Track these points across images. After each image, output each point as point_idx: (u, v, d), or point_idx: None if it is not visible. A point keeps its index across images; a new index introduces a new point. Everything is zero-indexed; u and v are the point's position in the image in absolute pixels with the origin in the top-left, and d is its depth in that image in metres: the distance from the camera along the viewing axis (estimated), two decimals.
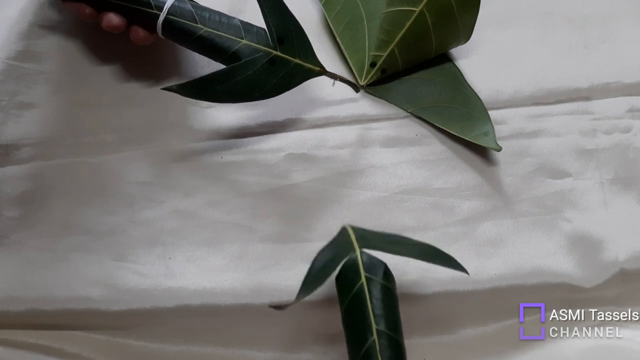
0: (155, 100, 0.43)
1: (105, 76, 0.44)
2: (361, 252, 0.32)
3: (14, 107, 0.44)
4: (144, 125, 0.43)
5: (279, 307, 0.30)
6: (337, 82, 0.42)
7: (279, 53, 0.39)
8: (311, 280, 0.30)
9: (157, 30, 0.39)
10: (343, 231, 0.32)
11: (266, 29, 0.38)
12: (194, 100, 0.43)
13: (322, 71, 0.41)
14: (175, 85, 0.37)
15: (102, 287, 0.40)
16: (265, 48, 0.39)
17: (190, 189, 0.42)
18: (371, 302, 0.30)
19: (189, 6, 0.38)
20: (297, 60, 0.39)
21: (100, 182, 0.42)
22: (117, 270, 0.41)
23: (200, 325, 0.41)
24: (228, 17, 0.39)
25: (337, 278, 0.32)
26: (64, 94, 0.44)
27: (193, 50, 0.40)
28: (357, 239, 0.32)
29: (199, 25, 0.38)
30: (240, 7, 0.45)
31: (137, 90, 0.44)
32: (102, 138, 0.43)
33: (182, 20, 0.38)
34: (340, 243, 0.32)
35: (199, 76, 0.38)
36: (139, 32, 0.39)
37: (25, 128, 0.43)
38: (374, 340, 0.29)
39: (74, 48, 0.45)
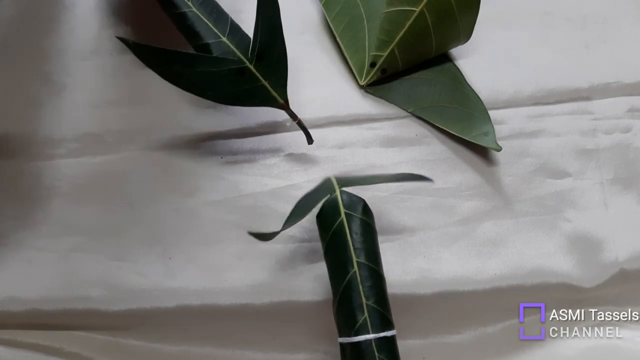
0: (155, 100, 0.43)
1: (105, 76, 0.44)
2: (341, 191, 0.33)
3: (15, 107, 0.44)
4: (144, 125, 0.43)
5: (262, 236, 0.32)
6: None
7: (251, 67, 0.38)
8: (294, 216, 0.32)
9: None
10: (326, 179, 0.34)
11: (252, 38, 0.37)
12: (194, 101, 0.43)
13: (284, 106, 0.39)
14: (133, 41, 0.34)
15: (102, 287, 0.40)
16: (241, 56, 0.38)
17: (190, 189, 0.42)
18: (351, 237, 0.31)
19: None
20: (265, 83, 0.38)
21: (100, 182, 0.42)
22: (117, 270, 0.41)
23: (200, 325, 0.41)
24: (221, 12, 0.39)
25: (318, 216, 0.33)
26: (66, 94, 0.44)
27: (174, 24, 0.39)
28: (338, 182, 0.34)
29: (188, 3, 0.38)
30: (240, 7, 0.45)
31: (137, 90, 0.44)
32: (102, 138, 0.43)
33: None
34: (323, 186, 0.34)
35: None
36: None
37: (27, 128, 0.43)
38: (355, 272, 0.31)
39: (74, 48, 0.45)
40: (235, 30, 0.38)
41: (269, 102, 0.39)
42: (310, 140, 0.41)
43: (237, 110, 0.43)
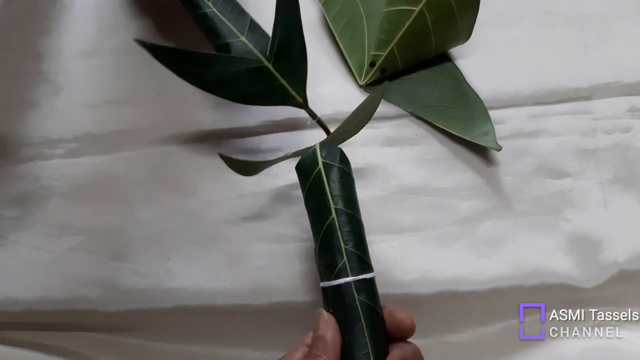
0: (155, 100, 0.43)
1: (103, 76, 0.44)
2: (320, 144, 0.34)
3: (14, 107, 0.44)
4: (144, 125, 0.43)
5: (239, 167, 0.35)
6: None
7: (269, 66, 0.37)
8: (278, 160, 0.35)
9: None
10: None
11: (271, 37, 0.37)
12: (193, 100, 0.43)
13: (304, 105, 0.39)
14: (150, 42, 0.34)
15: (101, 287, 0.40)
16: (259, 55, 0.38)
17: (190, 189, 0.42)
18: (329, 185, 0.32)
19: None
20: (284, 82, 0.38)
21: (98, 182, 0.42)
22: (115, 270, 0.41)
23: (199, 325, 0.41)
24: (241, 11, 0.39)
25: (298, 166, 0.34)
26: (64, 93, 0.44)
27: (196, 24, 0.39)
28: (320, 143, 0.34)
29: (209, 4, 0.38)
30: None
31: (136, 90, 0.44)
32: (101, 138, 0.43)
33: None
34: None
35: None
36: None
37: (25, 128, 0.43)
38: (333, 218, 0.31)
39: (72, 47, 0.45)
40: (254, 29, 0.38)
41: (288, 100, 0.39)
42: (328, 132, 0.40)
43: (237, 110, 0.43)
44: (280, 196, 0.42)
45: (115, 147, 0.43)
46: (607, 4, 0.46)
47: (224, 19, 0.38)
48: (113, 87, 0.44)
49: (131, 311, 0.40)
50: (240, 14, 0.38)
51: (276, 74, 0.38)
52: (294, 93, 0.39)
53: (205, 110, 0.43)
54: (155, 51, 0.35)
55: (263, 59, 0.37)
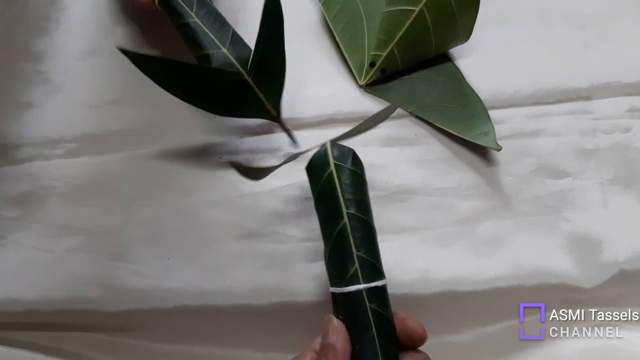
0: (155, 100, 0.43)
1: (103, 76, 0.44)
2: (331, 143, 0.33)
3: (13, 107, 0.44)
4: (143, 125, 0.43)
5: (249, 173, 0.34)
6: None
7: (249, 79, 0.38)
8: (287, 161, 0.35)
9: None
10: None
11: (253, 49, 0.37)
12: None
13: (277, 119, 0.39)
14: (131, 50, 0.34)
15: (101, 287, 0.40)
16: (240, 67, 0.37)
17: (189, 189, 0.42)
18: (341, 188, 0.31)
19: None
20: (261, 96, 0.38)
21: (98, 182, 0.42)
22: (115, 270, 0.41)
23: (199, 326, 0.41)
24: (224, 23, 0.39)
25: (308, 167, 0.33)
26: (64, 94, 0.44)
27: (179, 33, 0.39)
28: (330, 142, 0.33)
29: (191, 13, 0.38)
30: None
31: (136, 90, 0.44)
32: (102, 138, 0.43)
33: (179, 1, 0.38)
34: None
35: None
36: None
37: (24, 128, 0.43)
38: (345, 223, 0.30)
39: (71, 47, 0.45)
40: (236, 41, 0.38)
41: (262, 114, 0.39)
42: (294, 145, 0.41)
43: None
44: (281, 196, 0.42)
45: (115, 147, 0.43)
46: (607, 3, 0.46)
47: (206, 30, 0.38)
48: (113, 87, 0.44)
49: (131, 311, 0.40)
50: (222, 25, 0.39)
51: (255, 88, 0.38)
52: (269, 107, 0.39)
53: (205, 111, 0.43)
54: (136, 59, 0.35)
55: (243, 72, 0.37)
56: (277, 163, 0.42)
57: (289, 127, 0.40)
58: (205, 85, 0.37)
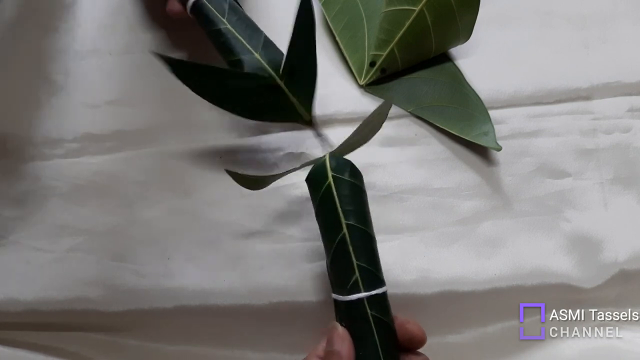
0: (155, 100, 0.43)
1: (104, 76, 0.44)
2: (330, 155, 0.33)
3: (13, 107, 0.44)
4: (143, 125, 0.43)
5: (247, 182, 0.34)
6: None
7: (281, 83, 0.38)
8: (287, 172, 0.35)
9: (187, 4, 0.39)
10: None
11: (285, 54, 0.38)
12: (193, 101, 0.42)
13: (310, 122, 0.40)
14: (168, 56, 0.35)
15: (101, 287, 0.40)
16: (272, 72, 0.38)
17: (190, 189, 0.42)
18: (339, 199, 0.32)
19: (225, 1, 0.39)
20: (294, 100, 0.39)
21: (99, 182, 0.42)
22: (115, 270, 0.41)
23: (199, 326, 0.41)
24: (255, 29, 0.39)
25: (308, 178, 0.34)
26: (64, 94, 0.44)
27: (210, 39, 0.39)
28: (329, 154, 0.34)
29: (223, 20, 0.38)
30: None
31: (136, 90, 0.44)
32: (102, 138, 0.43)
33: (211, 8, 0.38)
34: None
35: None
36: (175, 4, 0.40)
37: (25, 128, 0.43)
38: (344, 234, 0.31)
39: (73, 47, 0.45)
40: (268, 46, 0.39)
41: (295, 117, 0.40)
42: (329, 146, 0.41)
43: None
44: (281, 196, 0.42)
45: (115, 147, 0.43)
46: (607, 4, 0.46)
47: (238, 36, 0.38)
48: (113, 87, 0.44)
49: (131, 311, 0.40)
50: (254, 31, 0.39)
51: (287, 92, 0.38)
52: (302, 111, 0.39)
53: (205, 110, 0.43)
54: (172, 65, 0.35)
55: (276, 76, 0.38)
56: (277, 162, 0.42)
57: (322, 131, 0.40)
58: (238, 90, 0.37)
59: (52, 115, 0.43)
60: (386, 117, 0.36)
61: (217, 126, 0.43)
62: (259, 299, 0.40)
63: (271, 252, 0.41)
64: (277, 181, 0.42)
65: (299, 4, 0.36)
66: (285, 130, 0.43)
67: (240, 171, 0.42)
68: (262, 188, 0.38)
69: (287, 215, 0.41)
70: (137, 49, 0.45)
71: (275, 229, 0.41)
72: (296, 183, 0.42)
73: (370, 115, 0.35)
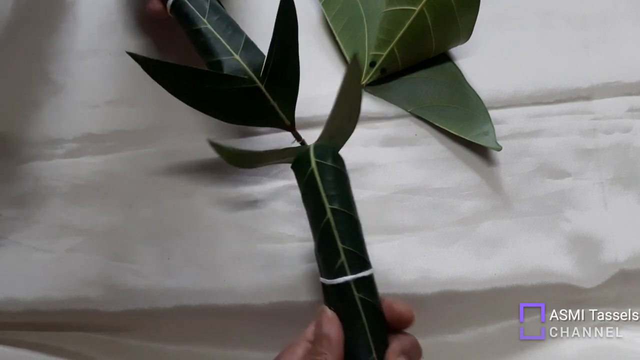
0: (155, 100, 0.43)
1: (103, 76, 0.44)
2: (314, 144, 0.34)
3: (13, 107, 0.44)
4: (143, 125, 0.43)
5: (231, 159, 0.34)
6: None
7: (261, 86, 0.37)
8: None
9: (167, 3, 0.38)
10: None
11: (266, 57, 0.37)
12: None
13: (291, 127, 0.39)
14: (143, 56, 0.34)
15: (101, 287, 0.40)
16: (252, 74, 0.37)
17: (189, 189, 0.42)
18: (323, 185, 0.32)
19: (206, 0, 0.38)
20: (274, 104, 0.37)
21: (98, 182, 0.42)
22: (115, 270, 0.41)
23: (199, 326, 0.41)
24: (236, 30, 0.38)
25: (293, 166, 0.34)
26: (64, 94, 0.44)
27: (189, 39, 0.39)
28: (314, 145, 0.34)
29: (204, 19, 0.37)
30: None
31: (136, 90, 0.44)
32: (101, 138, 0.43)
33: (191, 7, 0.37)
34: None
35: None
36: (155, 4, 0.39)
37: (25, 128, 0.43)
38: (328, 218, 0.31)
39: (72, 47, 0.45)
40: (249, 48, 0.38)
41: (276, 123, 0.38)
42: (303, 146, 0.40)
43: None
44: (280, 196, 0.42)
45: (115, 147, 0.43)
46: (607, 4, 0.46)
47: (218, 36, 0.37)
48: (113, 87, 0.44)
49: (131, 311, 0.40)
50: (235, 31, 0.38)
51: (267, 95, 0.37)
52: (282, 115, 0.38)
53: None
54: (146, 64, 0.35)
55: (256, 79, 0.37)
56: (277, 162, 0.42)
57: (303, 138, 0.39)
58: (217, 92, 0.36)
59: (52, 115, 0.43)
60: (360, 92, 0.32)
61: (217, 126, 0.43)
62: (258, 299, 0.40)
63: (271, 252, 0.41)
64: (276, 181, 0.42)
65: (279, 4, 0.35)
66: (285, 130, 0.43)
67: (239, 171, 0.42)
68: (246, 167, 0.37)
69: (287, 216, 0.41)
70: (136, 48, 0.45)
71: (275, 229, 0.41)
72: (296, 183, 0.42)
73: (340, 86, 0.30)
